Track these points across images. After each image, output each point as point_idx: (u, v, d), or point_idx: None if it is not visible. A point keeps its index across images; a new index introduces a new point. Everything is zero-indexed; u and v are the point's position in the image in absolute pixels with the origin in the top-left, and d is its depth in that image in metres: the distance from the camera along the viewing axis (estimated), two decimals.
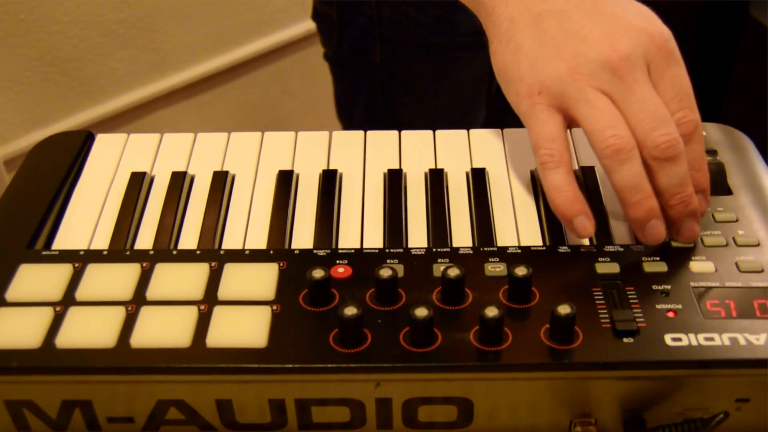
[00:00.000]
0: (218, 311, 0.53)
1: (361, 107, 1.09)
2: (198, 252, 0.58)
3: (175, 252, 0.58)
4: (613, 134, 0.55)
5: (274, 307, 0.53)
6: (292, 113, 1.86)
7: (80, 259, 0.57)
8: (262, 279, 0.55)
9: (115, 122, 1.63)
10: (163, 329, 0.52)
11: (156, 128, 1.67)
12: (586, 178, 0.64)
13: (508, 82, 0.60)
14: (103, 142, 0.69)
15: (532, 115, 0.58)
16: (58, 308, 0.53)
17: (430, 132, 0.70)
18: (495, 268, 0.55)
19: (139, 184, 0.64)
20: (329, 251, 0.57)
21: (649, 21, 0.58)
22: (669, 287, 0.54)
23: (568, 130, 0.69)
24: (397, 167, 0.66)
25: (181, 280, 0.55)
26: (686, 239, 0.57)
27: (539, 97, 0.58)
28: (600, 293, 0.53)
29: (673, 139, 0.55)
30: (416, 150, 0.68)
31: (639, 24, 0.57)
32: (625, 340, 0.50)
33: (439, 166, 0.66)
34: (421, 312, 0.50)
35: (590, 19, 0.58)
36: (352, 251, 0.57)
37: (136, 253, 0.58)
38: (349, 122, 1.13)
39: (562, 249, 0.57)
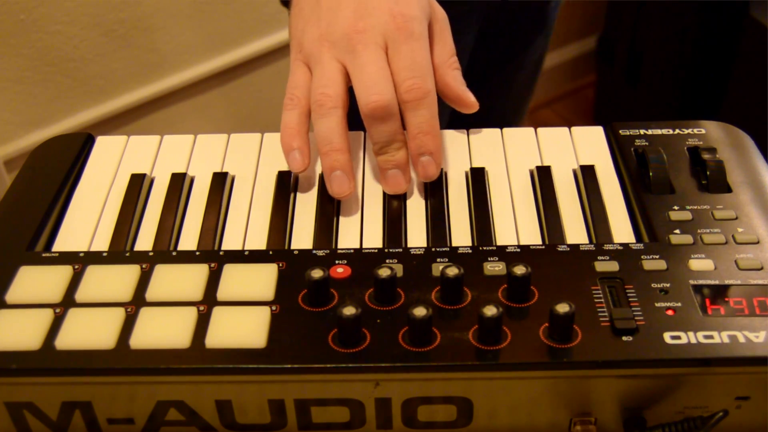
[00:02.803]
0: (217, 312, 0.53)
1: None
2: (197, 253, 0.58)
3: (174, 253, 0.58)
4: (321, 92, 0.63)
5: (274, 308, 0.53)
6: None
7: (80, 261, 0.57)
8: (262, 279, 0.55)
9: (115, 122, 1.63)
10: (163, 330, 0.52)
11: (156, 129, 1.67)
12: (585, 176, 0.64)
13: (290, 39, 0.69)
14: (103, 144, 0.70)
15: (292, 66, 0.67)
16: (57, 310, 0.53)
17: None
18: (494, 268, 0.55)
19: (139, 185, 0.64)
20: (328, 251, 0.57)
21: (397, 3, 0.64)
22: (668, 285, 0.54)
23: (568, 129, 0.70)
24: None
25: (181, 281, 0.55)
26: (389, 189, 0.64)
27: (299, 54, 0.67)
28: (599, 292, 0.54)
29: (379, 101, 0.61)
30: None
31: (386, 5, 0.64)
32: (624, 338, 0.50)
33: None
34: (420, 311, 0.50)
35: None
36: (352, 251, 0.57)
37: (136, 254, 0.58)
38: None
39: (561, 248, 0.57)
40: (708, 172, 0.62)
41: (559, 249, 0.57)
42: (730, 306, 0.52)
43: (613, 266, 0.55)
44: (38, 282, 0.55)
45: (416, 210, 0.62)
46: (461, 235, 0.60)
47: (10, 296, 0.55)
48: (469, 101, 0.68)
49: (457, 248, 0.57)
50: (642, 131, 0.68)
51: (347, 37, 0.63)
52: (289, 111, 0.65)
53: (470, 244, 0.59)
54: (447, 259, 0.56)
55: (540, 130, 0.70)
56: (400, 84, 0.62)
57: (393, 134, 0.62)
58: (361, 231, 0.61)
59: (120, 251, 0.59)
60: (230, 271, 0.56)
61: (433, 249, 0.57)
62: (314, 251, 0.57)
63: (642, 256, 0.56)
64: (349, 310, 0.50)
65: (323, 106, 0.62)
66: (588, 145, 0.68)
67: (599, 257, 0.56)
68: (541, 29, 1.10)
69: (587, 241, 0.59)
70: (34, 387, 0.52)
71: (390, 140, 0.63)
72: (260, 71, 1.76)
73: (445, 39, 0.68)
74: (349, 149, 0.63)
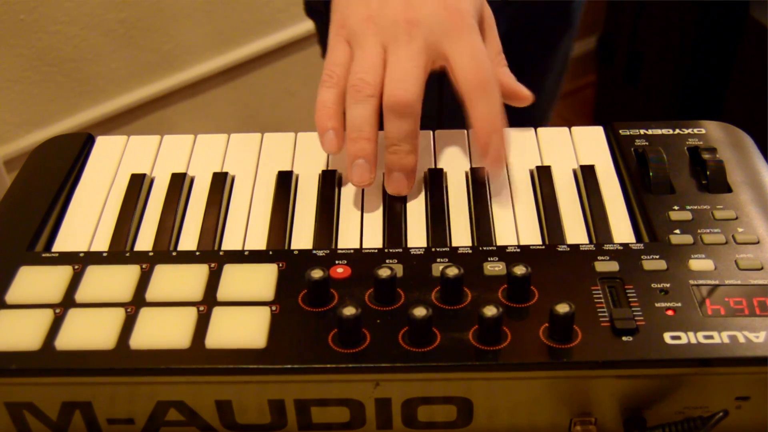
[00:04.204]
0: (217, 312, 0.53)
1: None
2: (197, 253, 0.58)
3: (174, 253, 0.58)
4: (361, 78, 0.61)
5: (274, 308, 0.53)
6: (292, 114, 1.86)
7: (80, 261, 0.57)
8: (262, 279, 0.55)
9: (115, 122, 1.63)
10: (163, 330, 0.52)
11: (156, 128, 1.67)
12: (585, 176, 0.64)
13: (333, 11, 0.67)
14: (103, 144, 0.70)
15: (331, 42, 0.66)
16: (57, 310, 0.53)
17: (429, 132, 0.70)
18: (494, 268, 0.55)
19: (139, 185, 0.64)
20: (328, 251, 0.57)
21: None
22: (668, 285, 0.54)
23: (568, 129, 0.69)
24: None
25: (181, 281, 0.55)
26: (391, 190, 0.63)
27: (342, 30, 0.65)
28: (599, 292, 0.54)
29: (403, 97, 0.60)
30: None
31: None
32: (625, 338, 0.50)
33: (438, 166, 0.66)
34: (420, 312, 0.50)
35: None
36: (352, 251, 0.57)
37: (136, 254, 0.58)
38: None
39: (561, 248, 0.57)
40: (708, 172, 0.62)
41: (559, 249, 0.57)
42: (730, 306, 0.52)
43: (613, 266, 0.55)
44: (38, 282, 0.55)
45: (416, 210, 0.62)
46: (461, 235, 0.60)
47: (10, 296, 0.55)
48: (523, 94, 0.67)
49: (457, 248, 0.57)
50: (642, 131, 0.68)
51: (396, 24, 0.62)
52: (327, 89, 0.63)
53: (470, 244, 0.59)
54: (447, 259, 0.56)
55: (540, 130, 0.70)
56: (467, 74, 0.61)
57: (408, 134, 0.61)
58: (361, 231, 0.61)
59: (120, 251, 0.59)
60: (230, 271, 0.56)
61: (433, 249, 0.57)
62: (314, 251, 0.57)
63: (642, 256, 0.56)
64: (349, 310, 0.50)
65: (360, 92, 0.61)
66: (588, 145, 0.68)
67: (599, 257, 0.56)
68: (565, 30, 1.10)
69: (587, 241, 0.59)
70: (34, 387, 0.52)
71: (403, 138, 0.62)
72: (260, 71, 1.77)
73: (492, 36, 0.67)
74: (377, 140, 0.62)
